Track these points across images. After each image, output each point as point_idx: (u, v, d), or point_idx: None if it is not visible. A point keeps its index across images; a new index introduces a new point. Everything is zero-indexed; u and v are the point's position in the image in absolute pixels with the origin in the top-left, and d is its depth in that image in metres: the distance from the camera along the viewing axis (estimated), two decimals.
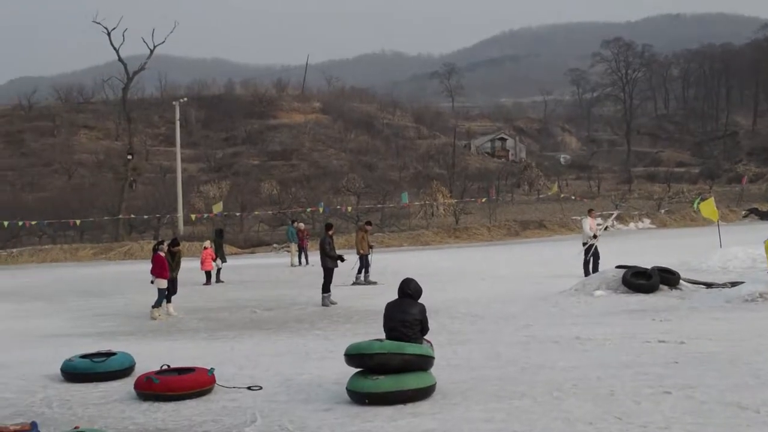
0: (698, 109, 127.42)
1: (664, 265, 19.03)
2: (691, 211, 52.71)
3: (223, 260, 28.48)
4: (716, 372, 9.49)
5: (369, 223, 27.63)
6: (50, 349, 14.06)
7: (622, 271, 18.19)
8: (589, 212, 25.13)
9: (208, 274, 27.77)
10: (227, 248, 34.98)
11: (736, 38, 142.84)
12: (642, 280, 17.60)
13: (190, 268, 27.68)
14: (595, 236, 23.15)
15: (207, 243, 29.23)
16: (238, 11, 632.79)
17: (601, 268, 21.45)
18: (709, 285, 18.33)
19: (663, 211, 61.49)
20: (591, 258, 22.78)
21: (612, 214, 34.43)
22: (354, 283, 24.59)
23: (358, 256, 25.12)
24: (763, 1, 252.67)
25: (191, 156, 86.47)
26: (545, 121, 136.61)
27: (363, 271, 25.02)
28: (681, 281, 18.09)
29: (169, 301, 19.29)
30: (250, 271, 29.39)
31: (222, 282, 27.55)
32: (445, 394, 8.96)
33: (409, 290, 9.66)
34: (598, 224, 24.13)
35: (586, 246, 23.09)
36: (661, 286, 17.59)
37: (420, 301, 9.69)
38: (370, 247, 25.57)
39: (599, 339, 12.43)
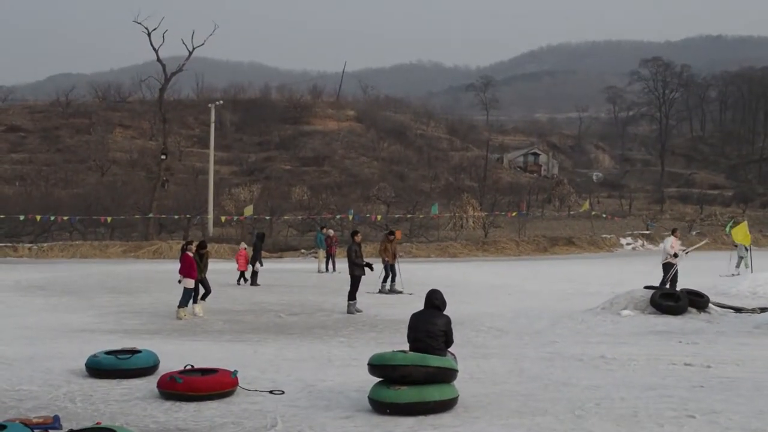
0: (735, 132, 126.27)
1: (693, 288, 18.90)
2: (723, 234, 52.22)
3: (261, 264, 28.59)
4: (741, 398, 9.40)
5: (392, 232, 27.53)
6: (76, 345, 14.15)
7: (651, 291, 18.07)
8: (674, 232, 25.30)
9: (241, 274, 28.23)
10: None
11: None
12: (670, 302, 17.47)
13: (217, 269, 27.81)
14: (675, 255, 23.09)
15: (243, 244, 29.63)
16: (277, 17, 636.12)
17: (629, 288, 21.23)
18: (738, 309, 18.18)
19: (695, 233, 61.03)
20: (669, 279, 22.70)
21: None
22: (379, 292, 24.58)
23: (383, 265, 25.13)
24: None
25: (224, 159, 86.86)
26: (579, 138, 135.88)
27: (389, 280, 25.01)
28: (710, 305, 17.95)
29: (195, 302, 19.36)
30: (276, 276, 29.45)
31: (258, 285, 27.64)
32: (467, 407, 8.93)
33: (437, 301, 9.65)
34: (681, 248, 23.94)
35: (665, 264, 23.05)
36: (689, 308, 17.46)
37: (445, 313, 9.68)
38: (397, 256, 25.59)
39: (624, 359, 12.35)
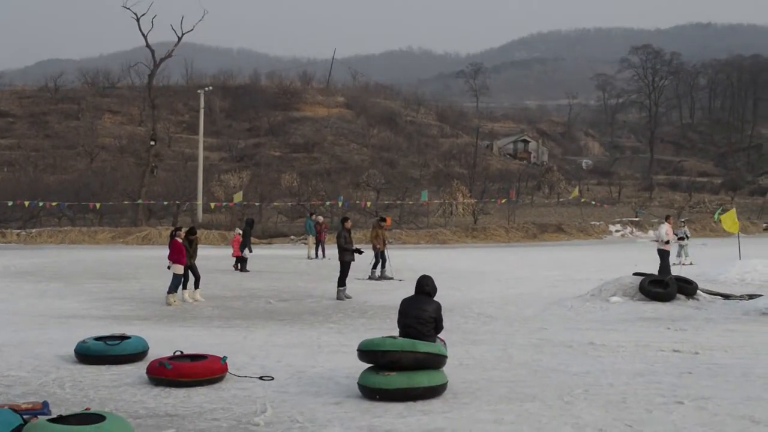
0: (723, 119, 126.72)
1: (681, 275, 18.95)
2: (711, 221, 52.42)
3: (250, 250, 28.63)
4: (730, 384, 9.44)
5: (383, 219, 27.58)
6: (65, 330, 14.13)
7: (639, 278, 18.10)
8: (667, 218, 25.31)
9: (237, 259, 28.49)
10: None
11: (765, 50, 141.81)
12: (659, 289, 17.51)
13: (207, 255, 27.80)
14: (668, 242, 23.25)
15: (237, 230, 29.79)
16: (267, 3, 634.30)
17: (618, 275, 21.26)
18: (726, 296, 18.23)
19: (683, 220, 61.20)
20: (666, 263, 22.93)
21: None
22: (369, 278, 24.60)
23: (373, 252, 25.14)
24: None
25: (213, 145, 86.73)
26: (569, 125, 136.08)
27: (380, 266, 25.03)
28: (698, 291, 17.99)
29: (185, 288, 19.36)
30: (266, 262, 29.47)
31: (248, 271, 27.71)
32: (455, 393, 8.94)
33: (427, 287, 9.67)
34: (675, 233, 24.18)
35: (661, 251, 23.24)
36: (678, 295, 17.50)
37: (435, 299, 9.69)
38: (386, 242, 25.62)
39: (613, 345, 12.40)
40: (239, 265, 28.44)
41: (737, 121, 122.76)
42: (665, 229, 23.67)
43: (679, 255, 31.09)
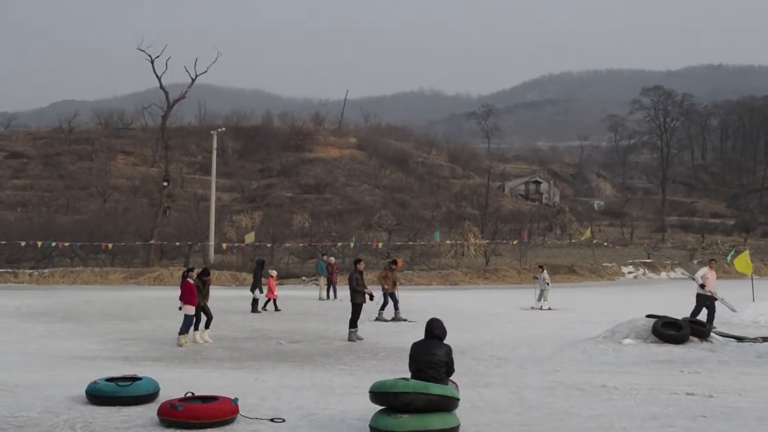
0: (736, 161, 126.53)
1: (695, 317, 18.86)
2: (724, 263, 52.20)
3: (261, 291, 28.71)
4: (744, 428, 9.37)
5: (395, 262, 27.61)
6: (76, 371, 14.12)
7: (652, 320, 18.00)
8: (709, 262, 24.26)
9: (272, 301, 29.01)
10: None
11: None
12: (672, 331, 17.39)
13: (218, 296, 27.80)
14: (702, 286, 22.48)
15: (273, 272, 30.23)
16: (280, 45, 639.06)
17: (631, 317, 21.10)
18: (740, 339, 18.12)
19: (696, 262, 60.99)
20: (703, 312, 22.21)
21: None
22: (376, 319, 24.57)
23: (382, 293, 25.16)
24: None
25: (226, 185, 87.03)
26: (581, 166, 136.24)
27: (394, 308, 25.04)
28: (712, 334, 17.90)
29: (196, 329, 19.37)
30: (278, 303, 29.42)
31: (259, 312, 27.80)
32: None
33: (437, 330, 9.64)
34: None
35: (699, 296, 22.50)
36: (691, 337, 17.39)
37: (446, 341, 9.66)
38: (397, 284, 25.71)
39: (626, 388, 12.31)
40: (273, 305, 29.01)
41: (749, 162, 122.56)
42: (702, 273, 23.11)
43: (538, 299, 31.18)
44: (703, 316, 21.71)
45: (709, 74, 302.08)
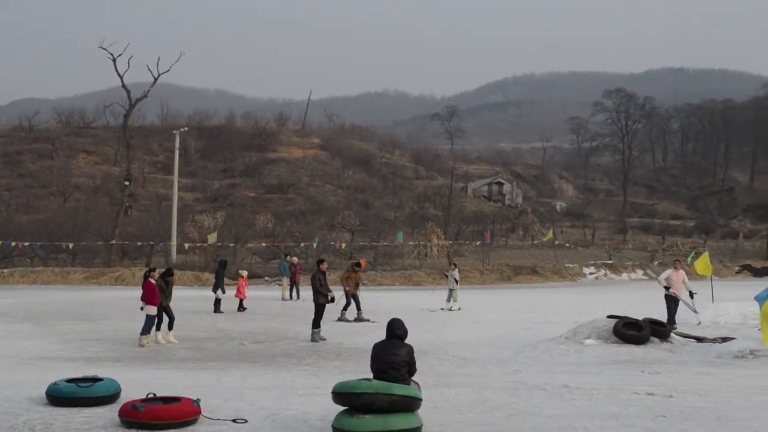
0: (696, 163, 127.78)
1: (655, 318, 18.99)
2: (684, 264, 52.67)
3: (223, 291, 28.58)
4: (703, 428, 9.46)
5: (358, 264, 27.55)
6: (36, 372, 14.00)
7: (614, 321, 18.13)
8: (674, 263, 24.47)
9: (241, 301, 28.97)
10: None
11: (737, 95, 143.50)
12: (633, 331, 17.52)
13: (181, 296, 27.67)
14: (667, 288, 22.74)
15: (243, 272, 30.63)
16: (244, 44, 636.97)
17: (592, 317, 21.20)
18: (699, 339, 18.30)
19: (656, 263, 61.52)
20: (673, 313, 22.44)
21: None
22: (338, 319, 24.59)
23: (343, 293, 25.20)
24: (766, 59, 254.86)
25: (188, 185, 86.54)
26: (543, 168, 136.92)
27: (356, 308, 25.07)
28: (672, 334, 18.06)
29: (158, 329, 19.26)
30: (244, 303, 29.31)
31: (221, 312, 27.66)
32: None
33: (398, 330, 9.64)
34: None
35: (667, 296, 22.74)
36: (651, 338, 17.53)
37: (409, 341, 9.67)
38: (360, 285, 25.76)
39: (587, 388, 12.40)
40: (240, 305, 28.91)
41: (709, 165, 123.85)
42: (665, 275, 23.28)
43: (448, 300, 30.72)
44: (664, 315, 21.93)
45: (671, 77, 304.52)
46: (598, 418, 9.96)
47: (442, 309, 29.78)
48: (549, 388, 12.48)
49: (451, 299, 30.56)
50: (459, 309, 29.77)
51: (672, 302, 22.61)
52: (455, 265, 33.22)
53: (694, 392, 12.08)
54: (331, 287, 21.06)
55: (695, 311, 23.20)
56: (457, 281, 31.14)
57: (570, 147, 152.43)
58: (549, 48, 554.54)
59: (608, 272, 58.44)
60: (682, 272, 23.30)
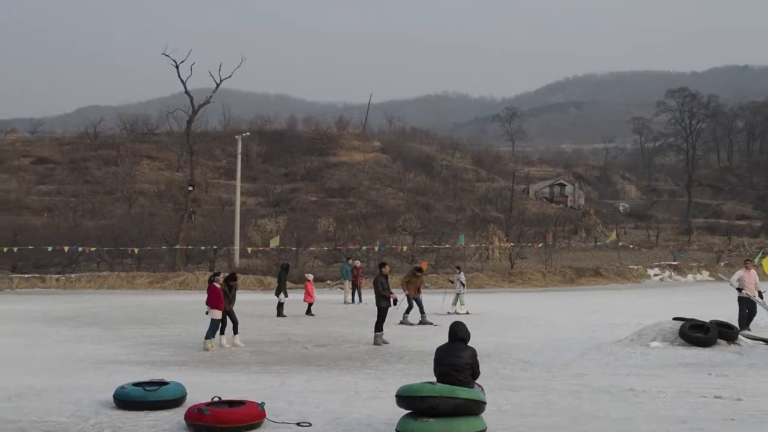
0: (762, 162, 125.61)
1: (722, 319, 18.69)
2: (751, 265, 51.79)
3: (286, 295, 28.69)
4: None
5: (420, 269, 27.43)
6: (104, 376, 14.19)
7: (680, 323, 17.87)
8: (744, 263, 23.51)
9: (309, 305, 29.05)
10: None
11: None
12: (699, 334, 17.26)
13: (244, 300, 27.88)
14: (740, 289, 22.03)
15: (310, 276, 30.85)
16: (305, 49, 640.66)
17: (658, 319, 20.88)
18: None
19: (723, 264, 60.58)
20: (746, 316, 21.84)
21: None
22: (401, 323, 24.58)
23: (406, 297, 25.21)
24: None
25: (250, 190, 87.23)
26: (605, 169, 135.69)
27: (419, 312, 25.05)
28: (739, 336, 17.75)
29: (222, 333, 19.43)
30: (303, 307, 29.46)
31: (284, 316, 27.77)
32: None
33: (461, 333, 9.63)
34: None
35: (740, 299, 22.07)
36: (718, 340, 17.25)
37: (472, 344, 9.65)
38: (421, 289, 25.74)
39: (654, 391, 12.24)
40: (308, 309, 28.97)
41: None
42: (737, 276, 22.71)
43: (454, 303, 30.20)
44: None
45: (735, 75, 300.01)
46: (666, 422, 9.83)
47: (448, 313, 29.31)
48: (614, 391, 12.34)
49: (458, 302, 30.28)
50: (467, 313, 29.14)
51: (745, 304, 22.09)
52: (459, 268, 33.02)
53: (764, 395, 11.86)
54: (393, 290, 21.07)
55: None
56: (464, 285, 30.82)
57: (633, 147, 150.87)
58: (610, 48, 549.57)
59: (673, 274, 57.69)
60: (753, 272, 22.74)
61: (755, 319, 22.26)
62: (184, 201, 61.10)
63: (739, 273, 22.67)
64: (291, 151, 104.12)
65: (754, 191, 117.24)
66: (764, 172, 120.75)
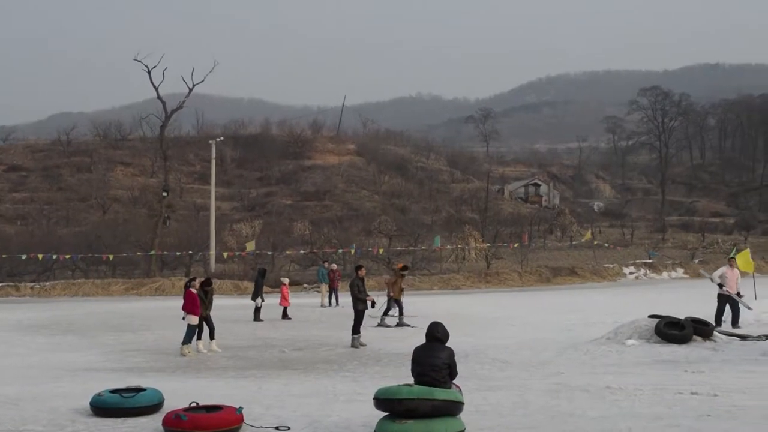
0: (735, 159, 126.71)
1: (697, 316, 18.80)
2: (725, 261, 52.13)
3: (262, 299, 28.67)
4: (749, 426, 9.36)
5: (406, 267, 27.45)
6: (80, 383, 14.12)
7: (655, 320, 17.98)
8: (730, 261, 23.66)
9: (284, 309, 29.05)
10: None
11: None
12: (675, 331, 17.36)
13: (221, 305, 27.80)
14: (721, 285, 22.13)
15: (285, 280, 30.63)
16: (278, 53, 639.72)
17: (633, 317, 20.96)
18: (743, 337, 18.11)
19: (697, 261, 60.98)
20: (721, 313, 21.89)
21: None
22: (378, 325, 24.58)
23: (387, 298, 25.18)
24: None
25: (225, 194, 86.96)
26: (580, 168, 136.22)
27: (398, 313, 25.04)
28: (714, 333, 17.88)
29: (199, 338, 19.39)
30: (279, 311, 29.41)
31: (261, 320, 27.76)
32: None
33: (438, 334, 9.63)
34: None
35: (719, 296, 22.14)
36: (694, 337, 17.36)
37: (449, 345, 9.66)
38: (403, 291, 25.71)
39: (630, 389, 12.30)
40: (284, 313, 29.01)
41: (748, 161, 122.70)
42: (720, 273, 22.71)
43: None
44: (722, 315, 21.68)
45: (707, 73, 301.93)
46: (643, 419, 9.89)
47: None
48: (591, 390, 12.40)
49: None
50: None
51: (723, 301, 22.20)
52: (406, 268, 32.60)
53: (739, 391, 11.95)
54: (369, 293, 21.08)
55: (749, 308, 22.81)
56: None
57: (606, 146, 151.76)
58: (582, 47, 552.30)
59: (648, 272, 57.98)
60: (737, 272, 22.95)
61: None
62: (159, 207, 60.78)
63: (723, 269, 22.87)
64: (265, 155, 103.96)
65: (727, 188, 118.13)
66: (736, 169, 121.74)
